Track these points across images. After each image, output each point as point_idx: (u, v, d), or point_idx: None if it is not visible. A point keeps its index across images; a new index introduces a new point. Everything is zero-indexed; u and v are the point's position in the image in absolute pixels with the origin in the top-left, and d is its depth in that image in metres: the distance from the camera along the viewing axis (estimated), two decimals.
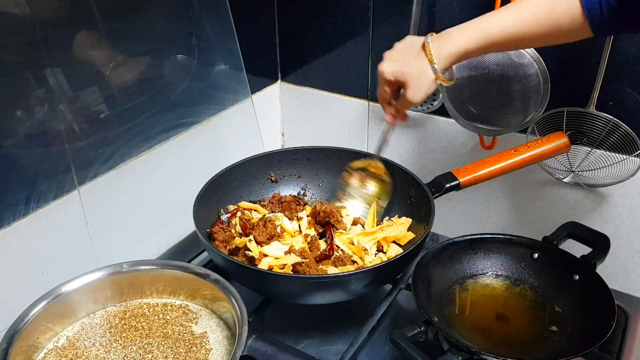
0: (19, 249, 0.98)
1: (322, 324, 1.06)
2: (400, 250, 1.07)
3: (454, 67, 0.99)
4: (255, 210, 1.17)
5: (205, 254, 1.21)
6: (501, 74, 1.18)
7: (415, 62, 0.95)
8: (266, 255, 1.02)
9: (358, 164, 1.15)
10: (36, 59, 0.95)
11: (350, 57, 1.43)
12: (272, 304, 1.03)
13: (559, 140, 1.12)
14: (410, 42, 0.97)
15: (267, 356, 0.95)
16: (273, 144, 1.61)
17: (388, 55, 0.99)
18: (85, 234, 1.10)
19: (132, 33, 1.10)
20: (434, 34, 0.94)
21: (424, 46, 0.93)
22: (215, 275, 0.88)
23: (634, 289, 1.26)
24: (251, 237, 1.04)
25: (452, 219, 1.45)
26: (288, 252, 1.02)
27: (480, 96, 1.22)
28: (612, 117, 1.13)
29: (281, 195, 1.22)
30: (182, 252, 1.23)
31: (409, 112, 1.39)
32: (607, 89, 1.14)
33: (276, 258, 1.02)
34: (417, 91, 0.96)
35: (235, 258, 1.02)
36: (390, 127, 1.06)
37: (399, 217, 1.15)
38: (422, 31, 1.29)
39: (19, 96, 0.94)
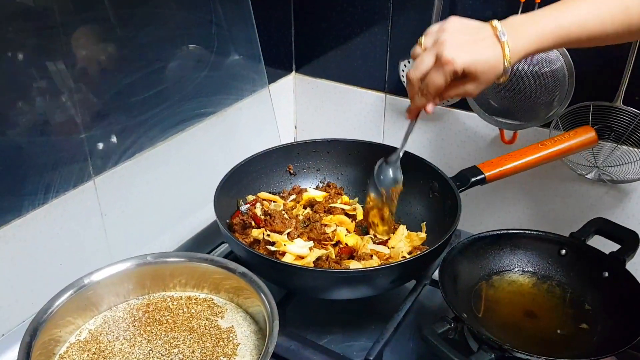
0: (35, 239, 0.95)
1: (345, 320, 1.03)
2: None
3: None
4: (274, 202, 1.15)
5: (222, 247, 1.19)
6: (526, 68, 1.16)
7: (490, 55, 0.81)
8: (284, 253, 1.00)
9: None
10: (54, 47, 0.93)
11: (368, 48, 1.41)
12: (294, 298, 1.01)
13: (586, 135, 1.10)
14: (473, 27, 0.84)
15: (290, 351, 0.93)
16: (285, 136, 1.59)
17: (450, 40, 0.81)
18: (100, 225, 1.07)
19: (151, 20, 1.07)
20: (496, 23, 0.82)
21: (497, 37, 0.81)
22: (242, 269, 0.85)
23: None
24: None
25: (471, 215, 1.43)
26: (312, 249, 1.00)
27: (503, 90, 1.20)
28: (639, 112, 1.11)
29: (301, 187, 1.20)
30: (199, 244, 1.21)
31: None
32: (635, 83, 1.12)
33: (299, 256, 0.99)
34: (480, 87, 0.83)
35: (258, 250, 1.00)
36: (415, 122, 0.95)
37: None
38: None
39: (36, 86, 0.92)
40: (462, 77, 0.82)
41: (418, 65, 0.84)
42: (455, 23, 0.84)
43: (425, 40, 0.85)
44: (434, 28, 0.85)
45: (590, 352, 0.88)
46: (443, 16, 1.25)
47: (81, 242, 1.04)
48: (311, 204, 1.16)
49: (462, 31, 0.83)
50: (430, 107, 0.87)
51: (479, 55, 0.81)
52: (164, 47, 1.10)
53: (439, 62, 0.81)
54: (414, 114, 0.92)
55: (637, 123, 1.12)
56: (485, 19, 1.21)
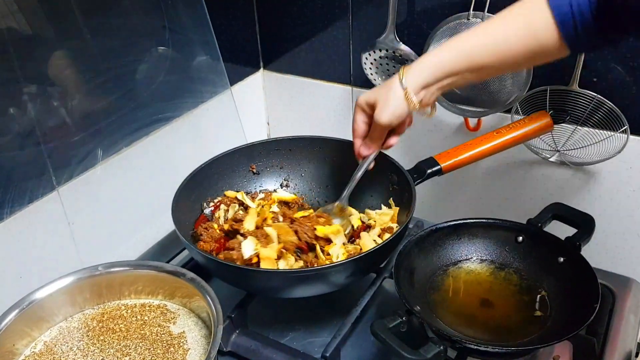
0: None
1: (307, 316, 1.05)
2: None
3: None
4: (242, 204, 1.15)
5: None
6: None
7: (387, 83, 0.93)
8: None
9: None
10: (5, 57, 0.93)
11: (331, 42, 1.41)
12: (255, 298, 1.02)
13: (541, 120, 1.10)
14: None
15: (251, 351, 0.95)
16: (258, 133, 1.60)
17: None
18: (67, 234, 1.09)
19: (103, 29, 1.08)
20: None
21: (397, 73, 0.91)
22: (191, 274, 0.87)
23: (623, 266, 1.25)
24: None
25: (438, 204, 1.44)
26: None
27: None
28: (595, 94, 1.11)
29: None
30: (168, 248, 1.22)
31: None
32: (591, 66, 1.12)
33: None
34: (383, 109, 0.92)
35: (218, 256, 1.01)
36: (365, 164, 1.03)
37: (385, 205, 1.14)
38: (401, 15, 1.27)
39: None
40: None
41: None
42: None
43: None
44: None
45: (544, 338, 0.89)
46: (400, 7, 1.25)
47: (49, 252, 1.06)
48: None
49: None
50: (362, 149, 1.01)
51: (377, 90, 0.94)
52: (117, 55, 1.11)
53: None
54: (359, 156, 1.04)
55: (594, 105, 1.11)
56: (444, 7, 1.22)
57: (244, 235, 1.02)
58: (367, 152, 1.01)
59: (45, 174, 1.02)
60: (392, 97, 0.91)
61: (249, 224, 1.06)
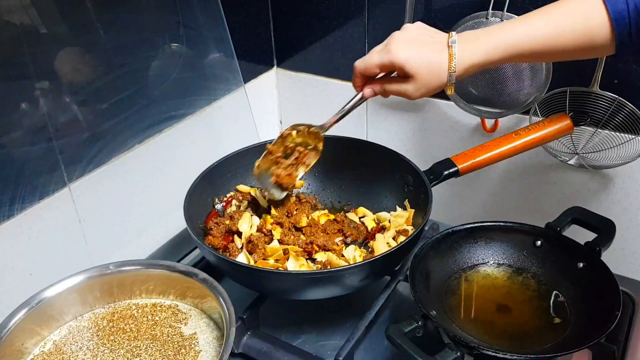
0: (6, 251, 0.96)
1: (320, 318, 1.03)
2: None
3: None
4: (253, 201, 1.14)
5: None
6: None
7: (433, 58, 0.83)
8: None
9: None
10: (18, 53, 0.92)
11: (346, 40, 1.39)
12: (267, 300, 1.01)
13: (561, 122, 1.07)
14: (429, 31, 0.86)
15: (262, 353, 0.93)
16: (271, 131, 1.58)
17: (400, 36, 0.85)
18: (78, 231, 1.08)
19: (116, 25, 1.07)
20: (453, 34, 0.83)
21: (448, 46, 0.83)
22: (203, 275, 0.85)
23: None
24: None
25: (454, 206, 1.42)
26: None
27: (481, 77, 1.18)
28: (616, 96, 1.08)
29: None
30: (179, 245, 1.21)
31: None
32: (612, 67, 1.09)
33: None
34: (419, 90, 0.85)
35: (226, 255, 0.99)
36: (358, 101, 0.97)
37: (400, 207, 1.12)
38: (418, 13, 1.25)
39: (3, 94, 0.91)
40: (404, 75, 0.85)
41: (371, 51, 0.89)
42: (416, 25, 0.88)
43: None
44: None
45: (562, 346, 0.87)
46: (418, 5, 1.23)
47: (60, 249, 1.05)
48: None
49: (418, 32, 0.86)
50: (367, 90, 0.93)
51: (421, 55, 0.84)
52: (130, 52, 1.10)
53: (383, 48, 0.86)
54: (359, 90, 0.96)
55: (614, 107, 1.09)
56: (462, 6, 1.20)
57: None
58: (370, 95, 0.94)
59: (56, 171, 1.01)
60: (433, 83, 0.85)
61: (243, 225, 1.06)
